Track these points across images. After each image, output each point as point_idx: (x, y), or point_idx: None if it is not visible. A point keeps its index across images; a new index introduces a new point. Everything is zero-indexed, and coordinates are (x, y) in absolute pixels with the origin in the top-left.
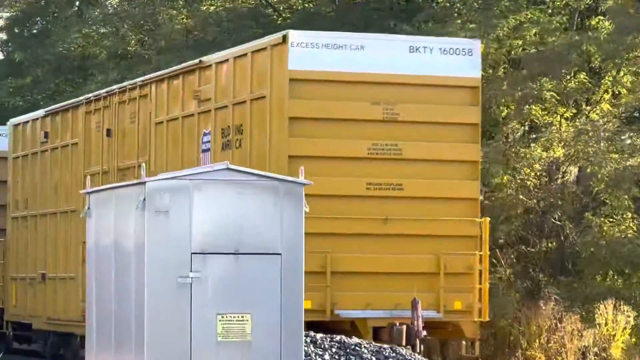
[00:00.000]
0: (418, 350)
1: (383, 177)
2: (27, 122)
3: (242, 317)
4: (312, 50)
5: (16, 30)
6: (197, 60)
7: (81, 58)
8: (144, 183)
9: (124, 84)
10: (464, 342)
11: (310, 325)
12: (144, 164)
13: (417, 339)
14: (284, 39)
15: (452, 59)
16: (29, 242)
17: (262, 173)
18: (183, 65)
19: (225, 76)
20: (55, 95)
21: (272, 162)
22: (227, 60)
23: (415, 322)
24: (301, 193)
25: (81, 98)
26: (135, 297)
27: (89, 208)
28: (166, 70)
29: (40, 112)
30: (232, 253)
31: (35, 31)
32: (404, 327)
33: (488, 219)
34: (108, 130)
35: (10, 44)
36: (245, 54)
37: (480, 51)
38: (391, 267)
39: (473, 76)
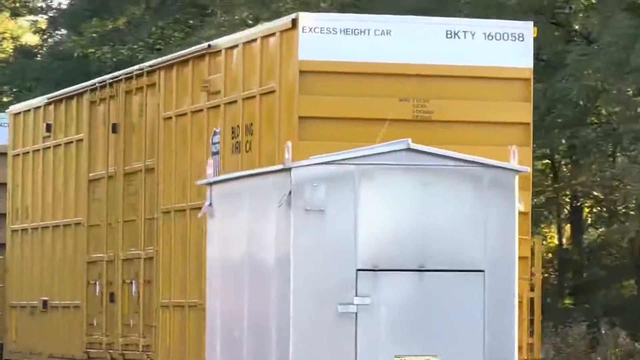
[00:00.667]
0: None
1: None
2: (29, 110)
3: None
4: (327, 37)
5: None
6: (206, 45)
7: None
8: (289, 169)
9: (131, 69)
10: None
11: None
12: (289, 143)
13: None
14: (294, 23)
15: (498, 45)
16: (31, 260)
17: (459, 156)
18: (192, 49)
19: (235, 65)
20: (159, 43)
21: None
22: (237, 45)
23: None
24: (513, 184)
25: (86, 84)
26: (277, 331)
27: (210, 204)
28: (174, 55)
29: (42, 99)
30: (414, 270)
31: None
32: None
33: (541, 237)
34: (114, 126)
35: None
36: (255, 39)
37: (534, 35)
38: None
39: (524, 66)
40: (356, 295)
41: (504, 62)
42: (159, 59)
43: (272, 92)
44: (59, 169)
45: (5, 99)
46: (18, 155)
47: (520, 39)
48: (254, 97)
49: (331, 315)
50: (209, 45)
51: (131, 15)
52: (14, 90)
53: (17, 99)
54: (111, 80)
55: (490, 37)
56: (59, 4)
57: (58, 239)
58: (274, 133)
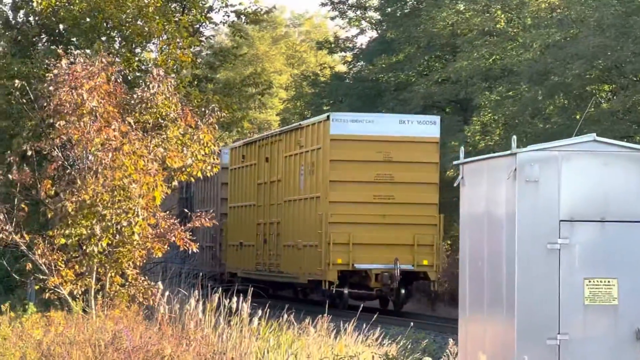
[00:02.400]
0: (396, 286)
1: (383, 192)
2: (236, 147)
3: (609, 282)
4: (343, 123)
5: (389, 10)
6: (298, 124)
7: (450, 36)
8: (514, 154)
9: (274, 131)
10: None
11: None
12: (514, 137)
13: (396, 281)
14: (328, 117)
15: (424, 126)
16: (235, 222)
17: (628, 145)
18: (292, 125)
19: (309, 134)
20: (425, 72)
21: (323, 184)
22: (308, 125)
23: (395, 271)
24: None
25: (256, 137)
26: (507, 262)
27: (462, 177)
28: (285, 128)
29: (240, 143)
30: (598, 221)
31: (407, 10)
32: (388, 274)
33: (442, 215)
34: (267, 158)
35: (383, 24)
36: (314, 123)
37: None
38: (387, 240)
39: (435, 136)
40: (559, 238)
41: (425, 134)
42: (281, 128)
43: (320, 148)
44: (248, 177)
45: (325, 107)
46: (232, 169)
47: (434, 123)
48: (314, 150)
49: (543, 251)
50: (300, 124)
51: (407, 52)
52: (330, 102)
53: (332, 108)
54: (267, 136)
55: (420, 123)
56: (361, 44)
57: (252, 212)
58: (321, 167)
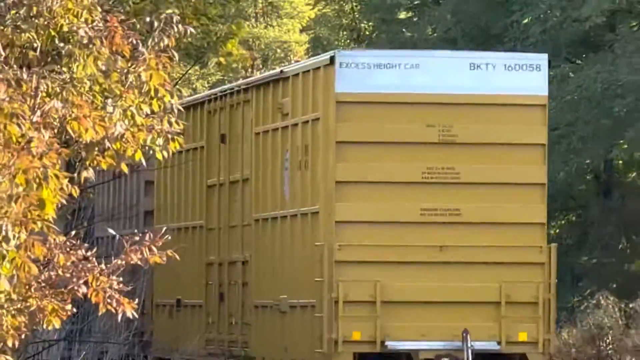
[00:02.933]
0: None
1: (439, 202)
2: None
3: None
4: (362, 71)
5: None
6: (278, 71)
7: None
8: None
9: (235, 84)
10: None
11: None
12: None
13: None
14: (332, 60)
15: (517, 75)
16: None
17: None
18: (269, 74)
19: (298, 91)
20: None
21: (322, 187)
22: (298, 74)
23: (465, 353)
24: None
25: (204, 94)
26: None
27: None
28: (258, 77)
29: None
30: None
31: None
32: (449, 359)
33: (556, 245)
34: (222, 137)
35: None
36: (308, 71)
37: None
38: (449, 296)
39: (540, 94)
40: None
41: (522, 90)
42: (251, 79)
43: (318, 119)
44: (189, 175)
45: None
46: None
47: (538, 69)
48: (307, 122)
49: None
50: (281, 71)
51: None
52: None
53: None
54: (221, 94)
55: (509, 68)
56: None
57: (187, 241)
58: (319, 155)
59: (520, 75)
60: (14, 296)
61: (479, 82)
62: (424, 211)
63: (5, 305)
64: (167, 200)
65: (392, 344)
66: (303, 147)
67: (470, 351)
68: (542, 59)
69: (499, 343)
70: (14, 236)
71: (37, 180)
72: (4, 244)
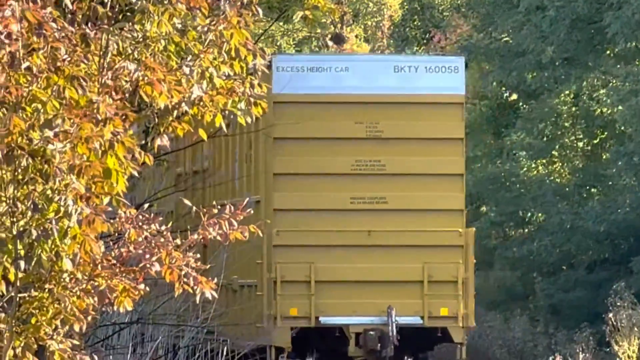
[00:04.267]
0: (390, 355)
1: (367, 191)
2: None
3: None
4: (296, 74)
5: None
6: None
7: None
8: None
9: None
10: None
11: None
12: None
13: (392, 344)
14: (269, 64)
15: (436, 77)
16: None
17: None
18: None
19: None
20: None
21: (262, 178)
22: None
23: (390, 327)
24: None
25: None
26: None
27: None
28: None
29: None
30: None
31: None
32: (376, 333)
33: (473, 229)
34: None
35: None
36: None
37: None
38: (376, 276)
39: (457, 93)
40: None
41: (441, 90)
42: None
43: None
44: None
45: None
46: None
47: (455, 71)
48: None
49: None
50: None
51: None
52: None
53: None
54: None
55: (430, 70)
56: None
57: None
58: (259, 149)
59: (439, 77)
60: (79, 276)
61: (403, 83)
62: (354, 199)
63: (70, 286)
64: None
65: (325, 319)
66: (248, 143)
67: (395, 325)
68: (459, 61)
69: (422, 318)
70: (76, 211)
71: (102, 148)
72: (64, 220)
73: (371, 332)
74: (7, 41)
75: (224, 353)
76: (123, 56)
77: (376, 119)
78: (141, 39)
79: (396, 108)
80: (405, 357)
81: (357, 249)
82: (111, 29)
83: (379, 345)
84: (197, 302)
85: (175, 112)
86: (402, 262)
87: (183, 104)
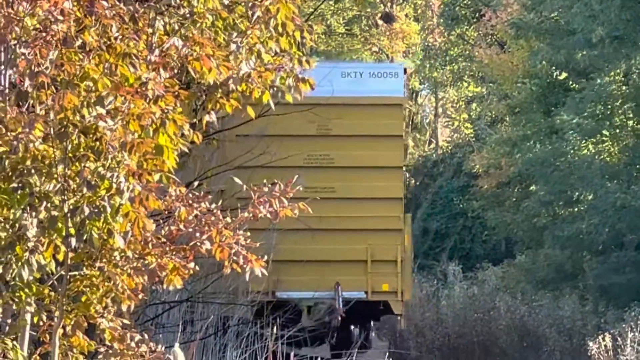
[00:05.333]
0: (337, 325)
1: (318, 182)
2: None
3: None
4: None
5: None
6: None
7: None
8: None
9: None
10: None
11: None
12: None
13: (339, 316)
14: None
15: (379, 81)
16: None
17: None
18: None
19: None
20: None
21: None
22: None
23: (337, 300)
24: None
25: None
26: None
27: None
28: None
29: None
30: None
31: None
32: (325, 306)
33: (410, 214)
34: None
35: None
36: None
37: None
38: (324, 255)
39: (397, 95)
40: None
41: (383, 92)
42: None
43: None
44: None
45: None
46: None
47: (396, 76)
48: (218, 119)
49: None
50: None
51: None
52: None
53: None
54: None
55: (373, 76)
56: None
57: None
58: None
59: (381, 81)
60: (130, 254)
61: (349, 87)
62: (306, 189)
63: (120, 264)
64: None
65: (280, 294)
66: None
67: (341, 299)
68: (399, 68)
69: (366, 293)
70: (128, 188)
71: (154, 126)
72: (116, 197)
73: (321, 305)
74: (59, 18)
75: (273, 331)
76: (170, 33)
77: (326, 119)
78: (188, 15)
79: (343, 109)
80: (352, 327)
81: (310, 232)
82: (158, 5)
83: (328, 316)
84: (247, 280)
85: (223, 89)
86: (348, 244)
87: (231, 81)
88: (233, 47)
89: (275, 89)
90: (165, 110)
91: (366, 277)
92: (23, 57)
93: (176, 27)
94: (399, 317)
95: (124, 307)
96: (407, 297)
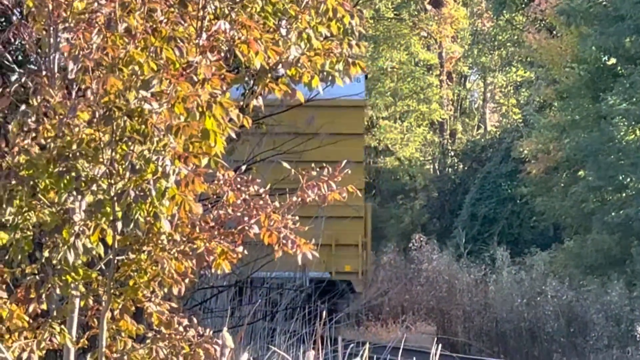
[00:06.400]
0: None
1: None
2: None
3: None
4: None
5: None
6: None
7: None
8: None
9: None
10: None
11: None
12: None
13: (306, 293)
14: None
15: (344, 86)
16: None
17: None
18: None
19: None
20: None
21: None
22: None
23: (304, 279)
24: None
25: None
26: None
27: None
28: None
29: None
30: None
31: None
32: (294, 284)
33: (371, 204)
34: None
35: None
36: None
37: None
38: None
39: (360, 98)
40: None
41: (347, 95)
42: None
43: None
44: None
45: None
46: None
47: (358, 81)
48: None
49: None
50: None
51: None
52: None
53: None
54: None
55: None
56: None
57: None
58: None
59: (346, 86)
60: (177, 237)
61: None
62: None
63: (167, 248)
64: None
65: (255, 274)
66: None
67: (308, 278)
68: (361, 75)
69: (331, 273)
70: (173, 171)
71: (200, 109)
72: (162, 181)
73: (290, 284)
74: (103, 2)
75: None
76: (219, 18)
77: (294, 118)
78: (238, 0)
79: (310, 110)
80: (318, 302)
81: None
82: None
83: (297, 293)
84: (299, 263)
85: (272, 73)
86: (316, 230)
87: (280, 65)
88: (283, 31)
89: (324, 73)
90: (213, 94)
91: (331, 259)
92: (67, 41)
93: (226, 12)
94: (354, 286)
95: (174, 290)
96: (368, 277)
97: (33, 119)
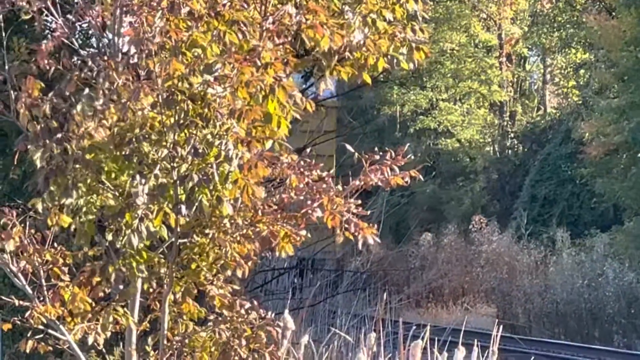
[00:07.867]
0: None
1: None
2: None
3: None
4: None
5: None
6: None
7: None
8: None
9: None
10: None
11: None
12: None
13: None
14: None
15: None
16: None
17: None
18: None
19: None
20: None
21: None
22: None
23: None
24: None
25: None
26: None
27: None
28: None
29: None
30: None
31: None
32: None
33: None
34: None
35: None
36: None
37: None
38: None
39: (333, 100)
40: None
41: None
42: None
43: None
44: None
45: None
46: None
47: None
48: None
49: None
50: None
51: None
52: None
53: None
54: None
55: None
56: None
57: None
58: None
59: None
60: (240, 221)
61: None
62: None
63: (230, 232)
64: None
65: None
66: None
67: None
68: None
69: None
70: (236, 155)
71: (262, 93)
72: (225, 165)
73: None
74: None
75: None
76: (285, 2)
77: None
78: None
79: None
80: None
81: None
82: None
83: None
84: (360, 247)
85: (337, 56)
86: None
87: (345, 49)
88: (348, 15)
89: (389, 57)
90: (277, 78)
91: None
92: (129, 25)
93: None
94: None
95: (239, 273)
96: None
97: (100, 102)
